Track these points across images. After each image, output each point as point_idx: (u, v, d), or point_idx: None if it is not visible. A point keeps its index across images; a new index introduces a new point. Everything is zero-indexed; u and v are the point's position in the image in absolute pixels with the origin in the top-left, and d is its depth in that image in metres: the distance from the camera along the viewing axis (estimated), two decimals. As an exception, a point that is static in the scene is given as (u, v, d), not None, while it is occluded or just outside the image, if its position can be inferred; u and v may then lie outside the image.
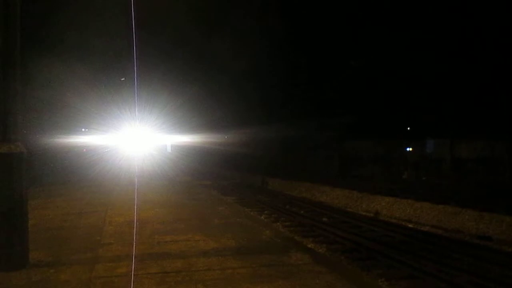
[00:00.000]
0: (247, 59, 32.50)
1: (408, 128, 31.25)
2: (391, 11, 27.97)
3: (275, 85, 34.07)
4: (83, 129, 32.98)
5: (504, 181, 20.48)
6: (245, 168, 31.96)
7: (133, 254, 5.63)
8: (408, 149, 29.32)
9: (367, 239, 10.77)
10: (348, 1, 30.55)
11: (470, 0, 23.14)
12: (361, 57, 30.05)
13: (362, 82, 30.18)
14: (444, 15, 24.50)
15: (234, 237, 6.74)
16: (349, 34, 30.48)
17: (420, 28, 26.39)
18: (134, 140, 30.21)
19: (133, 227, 7.40)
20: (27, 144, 5.44)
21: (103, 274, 4.92)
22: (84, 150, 31.91)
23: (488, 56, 23.59)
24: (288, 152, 34.15)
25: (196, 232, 7.10)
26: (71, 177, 20.24)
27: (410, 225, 13.41)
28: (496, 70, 23.41)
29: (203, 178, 28.70)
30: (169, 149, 39.23)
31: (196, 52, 36.72)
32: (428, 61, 26.58)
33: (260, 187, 24.91)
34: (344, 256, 9.48)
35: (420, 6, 26.51)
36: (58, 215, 9.03)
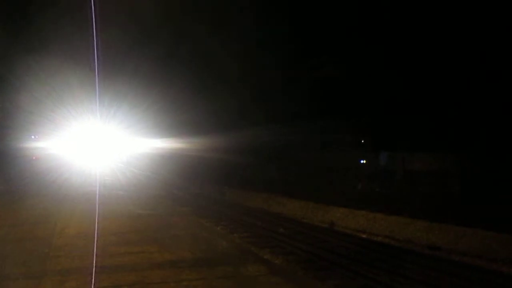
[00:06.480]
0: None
1: (362, 141, 31.95)
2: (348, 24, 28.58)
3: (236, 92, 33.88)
4: (32, 137, 31.63)
5: (452, 193, 21.28)
6: (204, 178, 31.67)
7: (84, 267, 5.43)
8: (362, 161, 29.98)
9: (322, 250, 10.90)
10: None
11: (423, 14, 23.97)
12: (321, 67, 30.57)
13: (320, 94, 30.66)
14: (395, 29, 25.30)
15: (190, 249, 6.64)
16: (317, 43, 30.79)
17: (376, 42, 27.16)
18: (93, 147, 29.32)
19: (85, 239, 7.14)
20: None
21: (51, 288, 4.71)
22: (34, 158, 30.62)
23: (438, 71, 24.55)
24: (248, 161, 34.11)
25: (151, 244, 6.95)
26: (21, 186, 19.35)
27: (364, 236, 13.68)
28: (447, 85, 24.42)
29: (161, 187, 28.18)
30: (128, 157, 38.34)
31: (171, 46, 35.30)
32: (382, 75, 27.39)
33: (218, 197, 24.74)
34: (300, 267, 9.52)
35: (370, 20, 27.16)
36: (4, 226, 8.60)
